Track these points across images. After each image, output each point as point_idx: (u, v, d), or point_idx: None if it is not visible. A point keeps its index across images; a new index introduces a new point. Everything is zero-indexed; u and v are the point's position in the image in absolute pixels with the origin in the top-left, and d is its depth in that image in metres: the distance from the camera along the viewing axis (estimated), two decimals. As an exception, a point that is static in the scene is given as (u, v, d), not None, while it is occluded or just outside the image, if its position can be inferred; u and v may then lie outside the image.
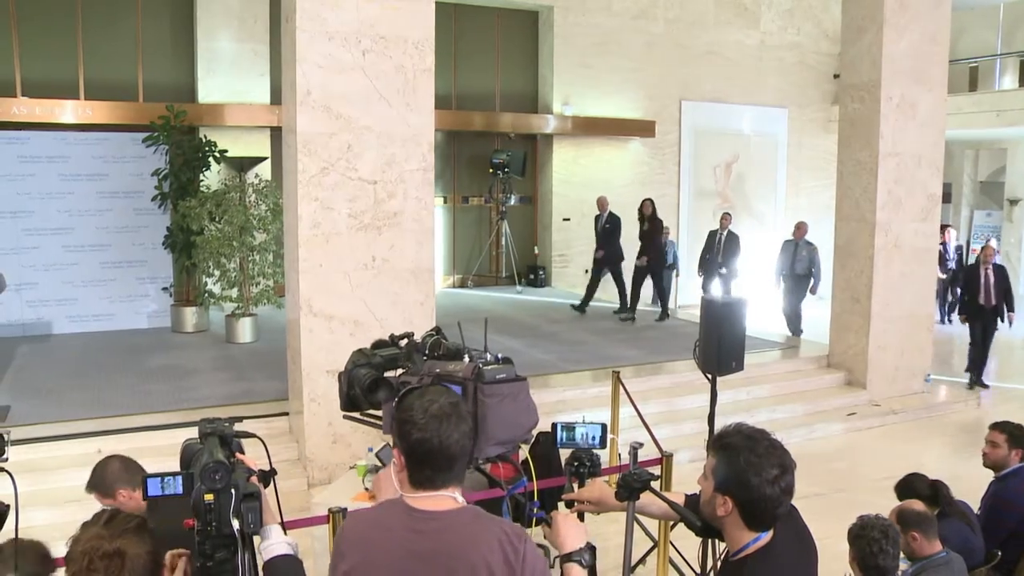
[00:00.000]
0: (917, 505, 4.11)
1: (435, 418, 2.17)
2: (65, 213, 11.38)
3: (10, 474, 2.73)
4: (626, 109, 16.37)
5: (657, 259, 12.92)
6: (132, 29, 13.24)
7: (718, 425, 6.10)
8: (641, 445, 3.50)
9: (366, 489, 5.13)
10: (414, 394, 2.31)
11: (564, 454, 3.10)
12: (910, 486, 4.51)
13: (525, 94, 16.30)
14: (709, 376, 5.96)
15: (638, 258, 12.87)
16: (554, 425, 3.00)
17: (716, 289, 13.27)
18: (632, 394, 6.95)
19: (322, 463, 6.89)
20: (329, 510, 4.37)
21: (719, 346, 5.84)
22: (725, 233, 13.28)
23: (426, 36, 6.91)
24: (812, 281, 12.36)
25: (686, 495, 2.83)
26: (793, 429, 8.56)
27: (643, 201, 13.08)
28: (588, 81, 16.04)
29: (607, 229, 13.15)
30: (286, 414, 7.59)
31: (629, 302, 12.99)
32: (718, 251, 13.29)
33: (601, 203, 13.40)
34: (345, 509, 4.39)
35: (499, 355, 2.82)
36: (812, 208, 17.56)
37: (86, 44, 12.97)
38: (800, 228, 12.56)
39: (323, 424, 6.82)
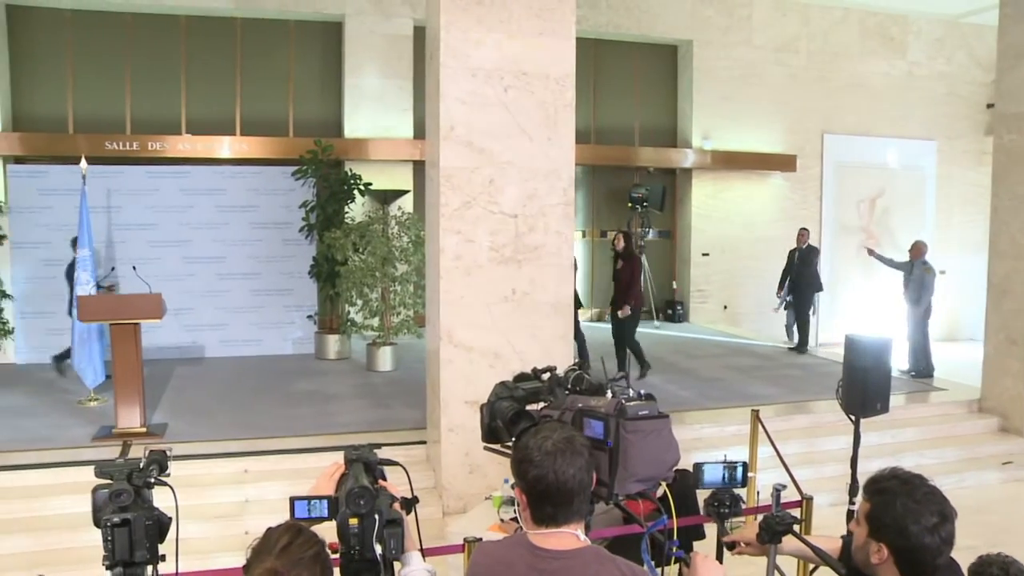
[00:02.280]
0: None
1: (549, 455, 2.19)
2: (220, 243, 11.98)
3: (172, 488, 2.87)
4: (767, 143, 16.10)
5: (637, 304, 10.62)
6: (285, 68, 13.87)
7: (861, 469, 5.90)
8: (784, 487, 3.43)
9: (501, 520, 5.17)
10: (529, 432, 2.34)
11: (701, 492, 3.06)
12: (1076, 542, 4.23)
13: (664, 128, 16.23)
14: (852, 417, 5.78)
15: (618, 308, 10.57)
16: (696, 465, 2.97)
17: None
18: (771, 433, 6.78)
19: (458, 492, 6.95)
20: (465, 539, 4.42)
21: (864, 386, 5.67)
22: (805, 247, 12.98)
23: (567, 72, 6.96)
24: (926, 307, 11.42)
25: (842, 538, 2.74)
26: (942, 476, 8.14)
27: (616, 234, 11.07)
28: (728, 115, 15.86)
29: None
30: (424, 443, 7.70)
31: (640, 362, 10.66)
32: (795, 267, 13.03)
33: None
34: (480, 539, 4.43)
35: (641, 391, 2.80)
36: (963, 243, 16.88)
37: (243, 84, 13.68)
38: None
39: (460, 454, 6.89)
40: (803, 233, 13.14)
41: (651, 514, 3.56)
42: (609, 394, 2.80)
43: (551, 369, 3.06)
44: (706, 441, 8.27)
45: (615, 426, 2.61)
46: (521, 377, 3.08)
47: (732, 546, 2.97)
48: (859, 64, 16.72)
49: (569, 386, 2.93)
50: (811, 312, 13.10)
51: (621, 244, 10.71)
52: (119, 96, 13.27)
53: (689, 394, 9.80)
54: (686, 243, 16.17)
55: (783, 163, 16.10)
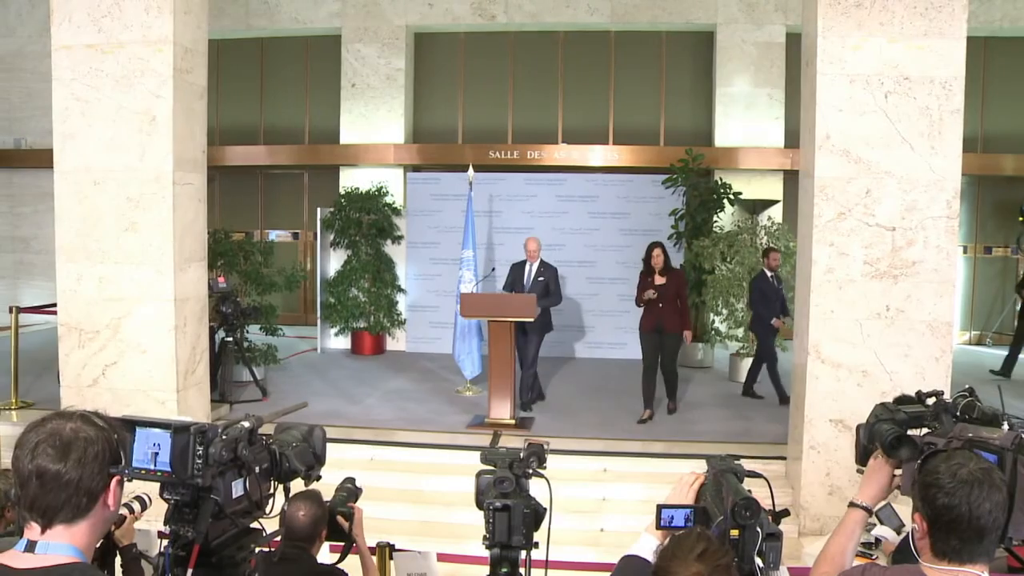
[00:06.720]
0: None
1: (964, 483, 2.06)
2: (590, 248, 12.47)
3: (547, 481, 3.08)
4: None
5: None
6: (656, 78, 14.17)
7: None
8: None
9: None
10: (940, 456, 2.21)
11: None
12: None
13: (1069, 132, 14.58)
14: None
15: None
16: None
17: None
18: None
19: (815, 513, 6.74)
20: (827, 563, 4.28)
21: None
22: None
23: (955, 75, 6.51)
24: None
25: None
26: None
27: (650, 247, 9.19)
28: None
29: (540, 283, 9.47)
30: (783, 459, 7.51)
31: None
32: None
33: (530, 247, 9.62)
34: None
35: (1045, 424, 2.58)
36: None
37: (616, 94, 14.18)
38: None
39: (820, 473, 6.68)
40: None
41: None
42: (1006, 426, 2.61)
43: (937, 393, 2.89)
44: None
45: (1012, 461, 2.42)
46: (903, 400, 2.93)
47: None
48: None
49: (958, 413, 2.75)
50: None
51: (661, 260, 9.08)
52: (502, 108, 14.29)
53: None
54: (1088, 263, 14.42)
55: None
